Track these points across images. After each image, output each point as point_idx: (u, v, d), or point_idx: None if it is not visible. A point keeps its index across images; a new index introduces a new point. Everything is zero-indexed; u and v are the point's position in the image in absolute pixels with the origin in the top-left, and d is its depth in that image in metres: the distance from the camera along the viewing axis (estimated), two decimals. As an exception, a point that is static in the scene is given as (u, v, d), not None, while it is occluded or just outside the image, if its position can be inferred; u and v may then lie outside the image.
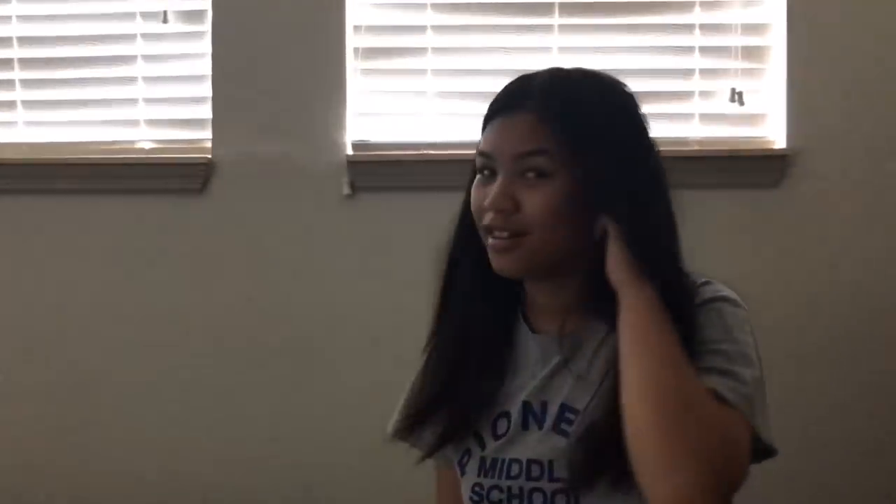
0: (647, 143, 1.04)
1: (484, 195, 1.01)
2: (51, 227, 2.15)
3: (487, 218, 1.01)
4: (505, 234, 1.00)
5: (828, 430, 2.03)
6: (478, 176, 1.04)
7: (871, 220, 2.06)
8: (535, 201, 0.98)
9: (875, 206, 2.06)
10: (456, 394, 1.07)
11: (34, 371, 2.13)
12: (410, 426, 1.11)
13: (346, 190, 2.07)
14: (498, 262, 1.01)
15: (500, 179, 1.00)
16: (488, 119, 1.04)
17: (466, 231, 1.07)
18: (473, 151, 1.06)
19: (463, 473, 1.07)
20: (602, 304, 1.01)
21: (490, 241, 1.01)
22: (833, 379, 2.05)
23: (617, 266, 0.97)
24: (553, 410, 1.03)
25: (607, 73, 1.06)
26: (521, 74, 1.07)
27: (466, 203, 1.07)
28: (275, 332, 2.09)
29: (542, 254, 1.00)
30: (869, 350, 2.05)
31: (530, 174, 0.99)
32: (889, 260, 2.05)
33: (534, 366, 1.06)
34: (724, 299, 1.04)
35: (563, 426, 1.01)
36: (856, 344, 2.05)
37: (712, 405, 0.90)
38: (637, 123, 1.04)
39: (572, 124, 0.99)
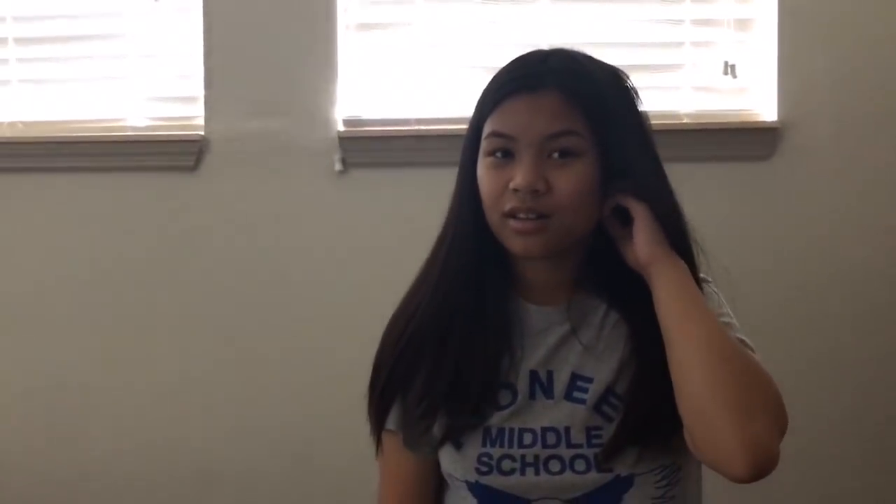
0: (649, 124, 1.06)
1: (504, 177, 0.99)
2: (44, 204, 2.16)
3: (512, 201, 0.98)
4: (532, 215, 0.98)
5: (822, 403, 2.06)
6: (489, 158, 1.01)
7: (862, 193, 2.07)
8: (566, 182, 0.98)
9: (865, 179, 2.07)
10: (461, 376, 1.04)
11: (26, 349, 2.15)
12: (423, 414, 1.06)
13: (337, 166, 2.08)
14: (523, 245, 1.00)
15: (525, 160, 0.98)
16: (500, 99, 1.01)
17: (465, 212, 1.05)
18: (464, 126, 1.06)
19: (460, 447, 1.05)
20: (601, 279, 1.05)
21: (513, 223, 0.99)
22: (822, 353, 2.06)
23: (647, 244, 0.99)
24: (563, 379, 1.04)
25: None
26: (525, 54, 1.06)
27: (464, 185, 1.05)
28: (267, 308, 2.11)
29: (568, 234, 1.01)
30: (860, 323, 2.07)
31: (556, 154, 0.98)
32: (880, 233, 2.07)
33: (535, 337, 1.06)
34: (709, 280, 1.10)
35: (576, 394, 1.03)
36: (846, 317, 2.07)
37: (759, 362, 0.98)
38: (640, 106, 1.06)
39: (598, 105, 1.00)
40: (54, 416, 2.15)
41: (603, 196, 1.01)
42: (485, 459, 1.04)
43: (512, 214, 0.99)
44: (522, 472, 1.02)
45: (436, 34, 2.11)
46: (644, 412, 1.00)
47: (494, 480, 1.03)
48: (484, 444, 1.04)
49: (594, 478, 1.01)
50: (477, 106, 1.05)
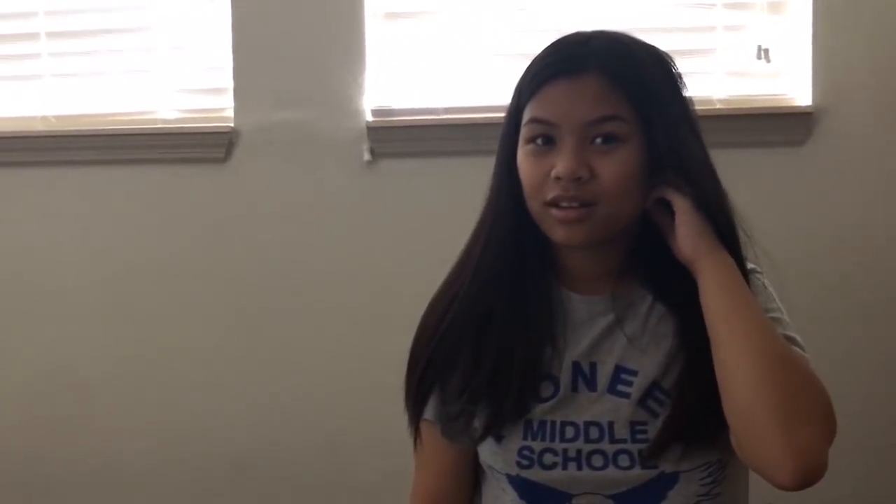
0: (694, 110, 1.03)
1: (545, 165, 0.96)
2: (75, 198, 2.18)
3: (555, 189, 0.95)
4: (576, 203, 0.95)
5: (857, 395, 2.03)
6: (529, 146, 0.98)
7: (899, 177, 2.03)
8: (611, 168, 0.95)
9: (902, 163, 2.03)
10: (502, 366, 1.01)
11: (62, 340, 2.18)
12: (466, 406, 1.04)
13: (366, 156, 2.07)
14: (566, 234, 0.97)
15: (568, 147, 0.95)
16: (540, 84, 0.97)
17: (504, 200, 1.02)
18: (493, 115, 1.04)
19: (500, 440, 1.03)
20: (647, 270, 1.02)
21: (555, 212, 0.96)
22: (860, 338, 2.03)
23: (690, 238, 0.96)
24: (607, 371, 1.01)
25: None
26: (565, 36, 1.02)
27: (503, 173, 1.02)
28: (297, 297, 2.11)
29: (612, 223, 0.97)
30: (895, 310, 2.03)
31: (598, 140, 0.95)
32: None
33: (579, 327, 1.03)
34: (759, 272, 1.06)
35: (620, 387, 1.00)
36: (884, 304, 2.03)
37: (808, 363, 0.95)
38: (685, 91, 1.02)
39: (642, 89, 0.96)
40: (82, 406, 2.18)
41: (649, 183, 0.98)
42: (526, 453, 1.01)
43: (554, 203, 0.96)
44: (564, 467, 1.00)
45: (464, 22, 2.09)
46: (691, 408, 0.97)
47: (535, 474, 1.01)
48: (525, 437, 1.01)
49: (638, 474, 0.99)
50: (515, 91, 1.01)
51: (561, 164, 0.94)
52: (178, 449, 2.16)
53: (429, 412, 1.07)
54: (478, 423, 1.04)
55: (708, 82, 2.05)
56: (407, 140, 2.08)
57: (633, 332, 1.01)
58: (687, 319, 0.99)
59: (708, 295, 0.94)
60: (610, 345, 1.02)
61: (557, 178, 0.95)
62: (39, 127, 2.19)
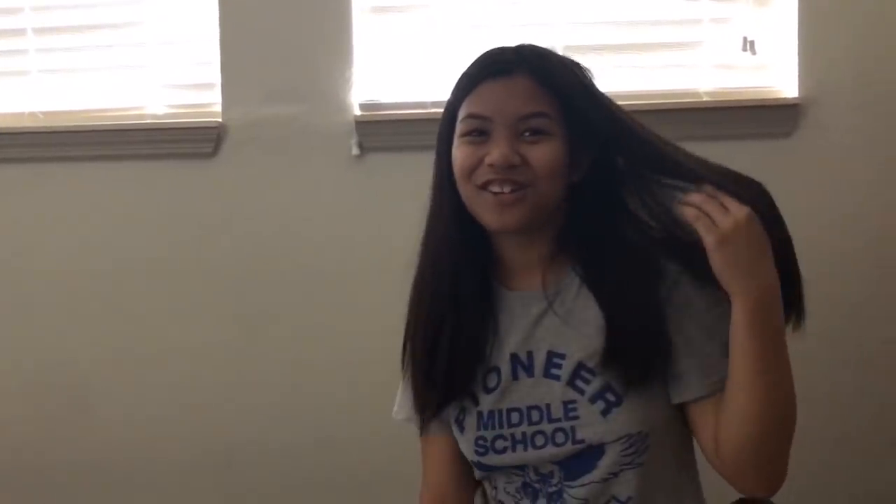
0: (620, 108, 1.10)
1: (479, 153, 1.06)
2: (64, 193, 2.18)
3: (486, 174, 1.05)
4: (508, 188, 1.04)
5: (844, 386, 2.04)
6: (464, 138, 1.08)
7: (885, 170, 2.03)
8: (541, 155, 1.04)
9: (888, 155, 2.03)
10: (450, 359, 1.12)
11: (46, 336, 2.18)
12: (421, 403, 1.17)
13: (354, 150, 2.08)
14: (501, 217, 1.06)
15: (501, 138, 1.05)
16: (476, 83, 1.08)
17: (444, 198, 1.12)
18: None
19: (462, 430, 1.14)
20: (575, 258, 1.10)
21: (489, 197, 1.05)
22: (847, 331, 2.04)
23: (720, 272, 1.00)
24: (541, 357, 1.10)
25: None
26: (496, 46, 1.13)
27: (442, 172, 1.12)
28: (286, 291, 2.12)
29: (543, 206, 1.07)
30: (885, 301, 2.04)
31: (527, 134, 1.05)
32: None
33: (517, 320, 1.12)
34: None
35: (553, 371, 1.08)
36: (871, 296, 2.04)
37: (793, 384, 1.04)
38: (602, 99, 1.11)
39: (566, 90, 1.06)
40: (76, 402, 2.18)
41: (569, 173, 1.07)
42: (481, 442, 1.12)
43: (486, 186, 1.05)
44: (514, 450, 1.10)
45: (452, 16, 2.10)
46: (613, 385, 1.05)
47: (490, 459, 1.12)
48: (479, 428, 1.12)
49: (570, 449, 1.07)
50: (452, 93, 1.12)
51: (496, 151, 1.04)
52: (167, 445, 2.16)
53: (407, 409, 1.19)
54: (445, 416, 1.15)
55: (694, 75, 2.06)
56: (395, 134, 2.08)
57: (562, 316, 1.09)
58: (611, 302, 1.06)
59: (736, 333, 1.00)
60: (543, 332, 1.10)
61: (491, 165, 1.04)
62: (27, 123, 2.18)
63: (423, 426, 1.19)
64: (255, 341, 2.13)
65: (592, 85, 1.10)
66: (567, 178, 1.08)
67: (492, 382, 1.12)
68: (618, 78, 2.04)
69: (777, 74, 2.06)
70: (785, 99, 2.04)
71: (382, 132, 2.08)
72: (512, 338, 1.11)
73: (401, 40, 2.11)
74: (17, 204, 2.19)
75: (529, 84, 1.05)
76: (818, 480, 2.01)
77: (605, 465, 1.06)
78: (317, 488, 2.12)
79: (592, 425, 1.06)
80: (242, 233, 2.13)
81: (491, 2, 2.09)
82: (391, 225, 2.08)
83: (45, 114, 2.19)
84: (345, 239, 2.10)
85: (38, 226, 2.19)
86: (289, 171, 2.11)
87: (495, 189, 1.05)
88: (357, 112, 2.09)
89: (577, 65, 1.11)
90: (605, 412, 1.05)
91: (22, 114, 2.20)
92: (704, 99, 2.05)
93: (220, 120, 2.12)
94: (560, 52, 1.15)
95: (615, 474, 1.07)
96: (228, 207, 2.13)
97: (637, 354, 1.04)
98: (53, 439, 2.19)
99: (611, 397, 1.05)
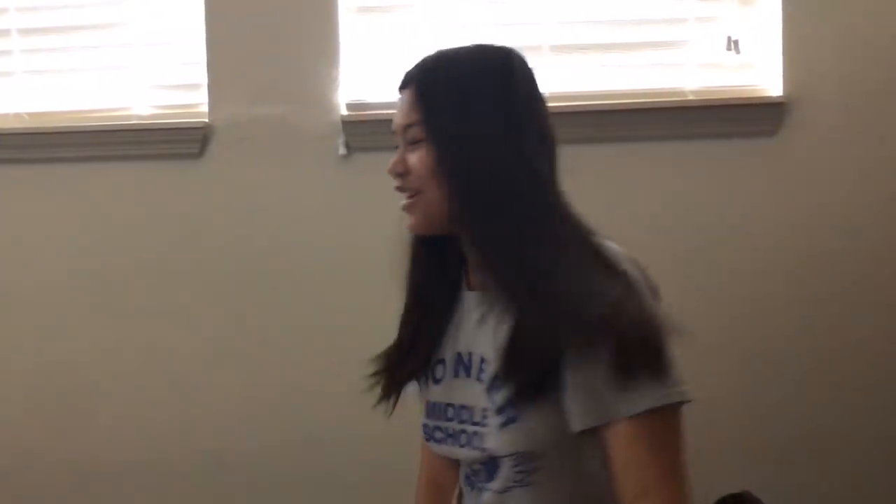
0: (515, 121, 1.07)
1: None
2: (50, 195, 2.17)
3: (395, 183, 1.13)
4: (406, 194, 1.11)
5: (824, 386, 2.06)
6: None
7: (869, 168, 2.05)
8: (413, 162, 1.09)
9: (872, 154, 2.05)
10: (412, 345, 1.19)
11: (34, 338, 2.17)
12: (386, 380, 1.22)
13: (341, 150, 2.08)
14: (406, 222, 1.13)
15: (399, 148, 1.12)
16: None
17: None
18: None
19: (422, 414, 1.21)
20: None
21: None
22: (830, 328, 2.06)
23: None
24: (476, 360, 1.12)
25: (502, 48, 1.11)
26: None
27: None
28: (275, 291, 2.12)
29: (434, 209, 1.09)
30: (867, 298, 2.06)
31: (410, 143, 1.10)
32: (887, 207, 2.05)
33: (466, 321, 1.15)
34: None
35: (482, 375, 1.11)
36: (854, 293, 2.06)
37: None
38: (508, 98, 1.07)
39: (431, 99, 1.08)
40: (64, 403, 2.17)
41: (442, 178, 1.07)
42: (426, 429, 1.19)
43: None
44: (446, 442, 1.15)
45: (437, 16, 2.11)
46: (507, 393, 1.05)
47: (435, 447, 1.18)
48: (427, 416, 1.19)
49: (478, 454, 1.10)
50: None
51: (390, 162, 1.12)
52: (159, 445, 2.16)
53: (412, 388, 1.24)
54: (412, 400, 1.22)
55: (679, 74, 2.07)
56: (381, 134, 2.03)
57: (491, 323, 1.10)
58: (521, 310, 1.03)
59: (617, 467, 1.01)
60: (481, 336, 1.12)
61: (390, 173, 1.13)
62: (12, 124, 2.18)
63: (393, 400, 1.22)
64: (242, 340, 2.13)
65: (482, 103, 1.07)
66: (442, 184, 1.08)
67: (439, 374, 1.17)
68: (603, 77, 2.05)
69: (761, 73, 2.08)
70: (769, 97, 2.06)
71: (369, 132, 2.08)
72: (461, 336, 1.15)
73: (387, 40, 2.12)
74: (1, 205, 2.18)
75: (410, 96, 1.10)
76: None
77: (500, 477, 1.08)
78: (311, 487, 2.12)
79: (493, 436, 1.07)
80: (229, 233, 2.13)
81: (476, 1, 2.10)
82: (379, 224, 2.08)
83: (31, 115, 2.19)
84: (332, 238, 2.10)
85: (22, 227, 2.18)
86: (276, 171, 2.11)
87: (402, 196, 1.12)
88: (344, 112, 2.09)
89: (483, 71, 1.08)
90: (503, 425, 1.05)
91: (7, 115, 2.19)
92: (689, 98, 2.06)
93: (206, 120, 2.12)
94: (480, 60, 1.10)
95: (508, 489, 1.08)
96: (215, 208, 2.13)
97: (530, 368, 1.02)
98: (48, 439, 2.18)
99: (511, 412, 1.05)
